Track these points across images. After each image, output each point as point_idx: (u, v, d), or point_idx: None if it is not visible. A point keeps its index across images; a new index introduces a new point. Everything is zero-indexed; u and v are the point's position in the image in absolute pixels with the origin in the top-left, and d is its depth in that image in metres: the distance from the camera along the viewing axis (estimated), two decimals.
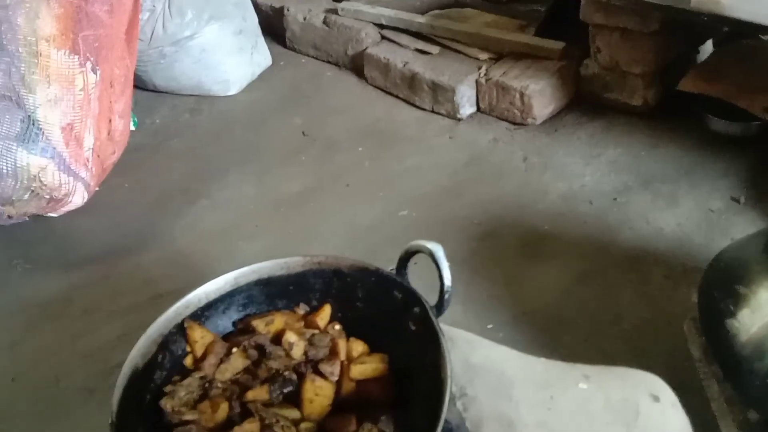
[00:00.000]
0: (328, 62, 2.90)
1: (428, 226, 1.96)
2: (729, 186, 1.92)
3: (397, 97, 2.60)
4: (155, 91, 2.76)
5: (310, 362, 1.04)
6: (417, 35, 2.66)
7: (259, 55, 2.85)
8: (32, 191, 2.01)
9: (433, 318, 0.97)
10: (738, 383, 1.13)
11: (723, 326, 1.11)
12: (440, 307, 1.02)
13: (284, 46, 3.04)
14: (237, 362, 1.02)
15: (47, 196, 2.03)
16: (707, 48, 2.34)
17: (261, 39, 2.88)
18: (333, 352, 1.05)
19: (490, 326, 1.59)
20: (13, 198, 2.02)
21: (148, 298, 1.83)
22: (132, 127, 2.44)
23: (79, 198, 2.08)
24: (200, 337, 1.04)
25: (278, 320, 1.08)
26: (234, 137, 2.51)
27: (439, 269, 1.00)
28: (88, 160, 2.07)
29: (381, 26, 2.75)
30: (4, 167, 1.97)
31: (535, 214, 1.93)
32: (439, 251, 1.00)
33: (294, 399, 1.00)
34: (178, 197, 2.22)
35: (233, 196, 2.22)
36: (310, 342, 1.05)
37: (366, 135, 2.42)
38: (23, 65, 1.95)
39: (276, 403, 0.99)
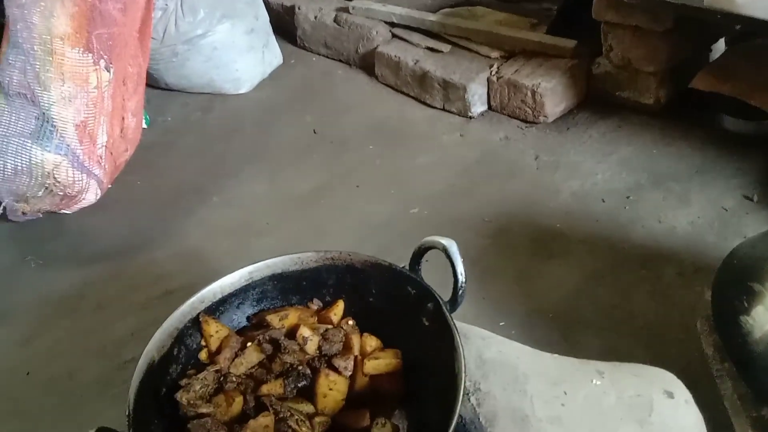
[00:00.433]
0: (339, 60, 2.90)
1: (439, 223, 1.96)
2: (742, 184, 1.91)
3: (407, 95, 2.60)
4: (167, 89, 2.77)
5: (324, 357, 1.04)
6: (428, 33, 2.66)
7: (270, 54, 2.86)
8: (46, 188, 2.03)
9: (447, 313, 0.98)
10: (751, 380, 1.12)
11: (736, 323, 1.11)
12: (454, 302, 1.02)
13: (295, 44, 3.05)
14: (252, 356, 1.03)
15: (61, 193, 2.05)
16: (720, 46, 2.33)
17: (272, 38, 2.89)
18: (346, 347, 1.06)
19: (502, 324, 1.59)
20: (28, 195, 2.04)
21: (161, 294, 1.84)
22: (144, 125, 2.45)
23: (92, 195, 2.10)
24: (215, 331, 1.05)
25: (292, 315, 1.09)
26: (245, 135, 2.52)
27: (453, 265, 1.01)
28: (101, 158, 2.09)
29: (392, 24, 2.75)
30: (19, 164, 1.99)
31: (547, 212, 1.93)
32: (452, 247, 1.01)
33: (308, 393, 1.01)
34: (190, 194, 2.23)
35: (245, 193, 2.22)
36: (324, 337, 1.06)
37: (377, 133, 2.42)
38: (38, 63, 1.96)
39: (290, 398, 1.00)
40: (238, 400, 0.98)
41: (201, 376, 1.00)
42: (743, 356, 1.12)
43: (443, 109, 2.48)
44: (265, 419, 0.95)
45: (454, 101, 2.44)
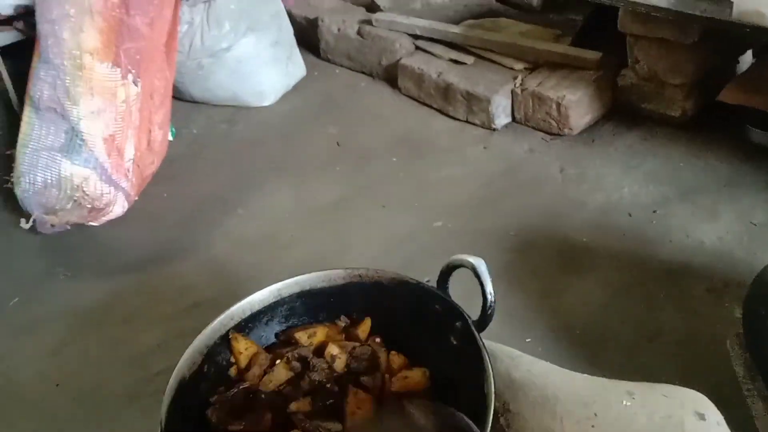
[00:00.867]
0: (362, 73, 2.92)
1: (463, 237, 1.95)
2: None
3: (431, 107, 2.61)
4: (192, 101, 2.80)
5: (352, 375, 1.04)
6: (451, 45, 2.67)
7: (294, 66, 2.88)
8: (75, 201, 2.06)
9: (476, 333, 0.97)
10: None
11: None
12: (483, 322, 1.01)
13: (318, 56, 3.07)
14: (280, 374, 1.03)
15: (89, 206, 2.08)
16: (747, 58, 2.30)
17: (296, 50, 2.91)
18: (374, 365, 1.05)
19: (528, 340, 1.58)
20: (57, 207, 2.07)
21: (187, 307, 1.86)
22: (170, 138, 2.48)
23: (119, 207, 2.12)
24: (245, 348, 1.05)
25: (320, 333, 1.09)
26: (269, 147, 2.54)
27: (481, 284, 1.00)
28: (128, 171, 2.12)
29: (415, 37, 2.76)
30: (49, 177, 2.02)
31: (573, 226, 1.92)
32: (481, 266, 1.00)
33: (336, 411, 1.01)
34: (216, 206, 2.25)
35: (269, 205, 2.24)
36: (352, 355, 1.06)
37: (400, 145, 2.43)
38: (68, 78, 2.00)
39: (318, 415, 1.00)
40: (268, 418, 0.99)
41: (230, 393, 1.01)
42: None
43: (467, 121, 2.48)
44: None
45: (477, 113, 2.44)
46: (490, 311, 1.01)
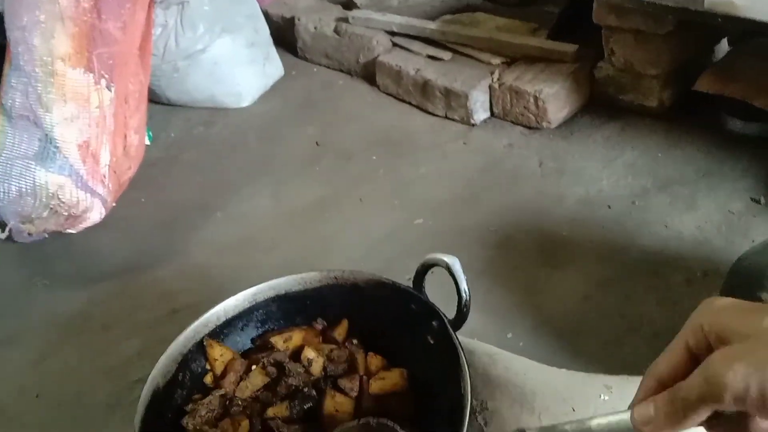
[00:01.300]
0: (340, 71, 2.90)
1: (444, 234, 1.95)
2: (748, 187, 1.89)
3: (409, 104, 2.60)
4: (169, 104, 2.78)
5: (330, 378, 1.04)
6: (428, 41, 2.66)
7: (271, 66, 2.86)
8: (51, 209, 2.03)
9: (452, 332, 0.97)
10: None
11: None
12: (459, 320, 1.01)
13: (296, 55, 3.05)
14: (257, 379, 1.02)
15: (66, 213, 2.05)
16: (723, 47, 2.31)
17: (273, 50, 2.90)
18: (352, 368, 1.05)
19: (509, 335, 1.58)
20: (33, 216, 2.04)
21: (166, 313, 1.84)
22: (147, 142, 2.45)
23: (96, 214, 2.10)
24: (220, 354, 1.04)
25: (296, 336, 1.08)
26: (248, 149, 2.52)
27: (456, 283, 1.00)
28: (104, 177, 2.09)
29: (392, 33, 2.75)
30: (24, 186, 1.99)
31: (553, 220, 1.92)
32: (455, 264, 1.00)
33: (314, 415, 1.00)
34: (194, 211, 2.23)
35: (249, 208, 2.22)
36: (329, 358, 1.05)
37: (379, 143, 2.42)
38: (40, 85, 1.97)
39: (296, 420, 1.00)
40: (245, 424, 0.98)
41: (206, 400, 1.00)
42: None
43: (446, 117, 2.48)
44: None
45: (456, 109, 2.44)
46: (465, 309, 1.00)
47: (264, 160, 2.43)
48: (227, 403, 1.01)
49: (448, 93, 2.43)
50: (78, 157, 2.01)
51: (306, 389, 1.01)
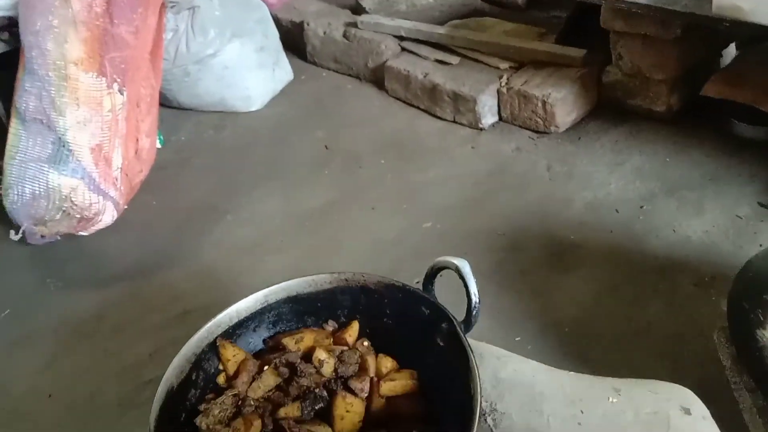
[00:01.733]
0: (349, 75, 2.92)
1: (452, 237, 1.96)
2: (756, 191, 1.90)
3: (418, 108, 2.61)
4: (180, 108, 2.80)
5: (340, 379, 1.05)
6: (437, 46, 2.67)
7: (281, 71, 2.88)
8: (63, 211, 2.06)
9: (462, 334, 0.98)
10: None
11: (753, 336, 1.10)
12: (468, 323, 1.02)
13: (305, 60, 3.07)
14: (269, 380, 1.03)
15: (78, 216, 2.07)
16: (731, 51, 2.32)
17: (282, 54, 2.92)
18: (362, 369, 1.06)
19: (518, 338, 1.59)
20: (46, 218, 2.06)
21: (177, 315, 1.86)
22: (158, 145, 2.48)
23: (108, 217, 2.12)
24: (232, 355, 1.05)
25: (308, 338, 1.09)
26: (258, 152, 2.54)
27: (466, 285, 1.01)
28: (116, 180, 2.11)
29: (401, 38, 2.77)
30: (37, 189, 2.02)
31: (561, 224, 1.93)
32: (465, 267, 1.01)
33: (325, 415, 1.01)
34: (205, 213, 2.25)
35: (258, 211, 2.24)
36: (340, 359, 1.06)
37: (388, 147, 2.43)
38: (53, 89, 2.00)
39: (307, 420, 1.01)
40: (257, 424, 0.99)
41: (219, 400, 1.01)
42: (761, 369, 1.11)
43: (454, 122, 2.49)
44: None
45: (464, 113, 2.45)
46: (475, 312, 1.01)
47: (273, 164, 2.45)
48: (240, 402, 1.02)
49: (456, 97, 2.44)
50: (91, 160, 2.04)
51: (317, 390, 1.02)
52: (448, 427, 0.97)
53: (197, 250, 2.11)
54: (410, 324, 1.08)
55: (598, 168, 2.12)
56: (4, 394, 1.74)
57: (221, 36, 2.63)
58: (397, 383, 1.03)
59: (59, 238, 2.14)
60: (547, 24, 2.63)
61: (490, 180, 2.18)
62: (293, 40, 3.09)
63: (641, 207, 1.93)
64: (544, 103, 2.28)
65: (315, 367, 1.04)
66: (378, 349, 1.10)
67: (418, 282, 1.10)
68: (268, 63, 2.80)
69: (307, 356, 1.07)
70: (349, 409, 1.01)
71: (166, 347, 1.73)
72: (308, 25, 3.02)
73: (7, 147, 2.09)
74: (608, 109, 2.33)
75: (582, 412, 0.98)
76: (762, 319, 1.09)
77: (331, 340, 1.12)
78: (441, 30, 2.67)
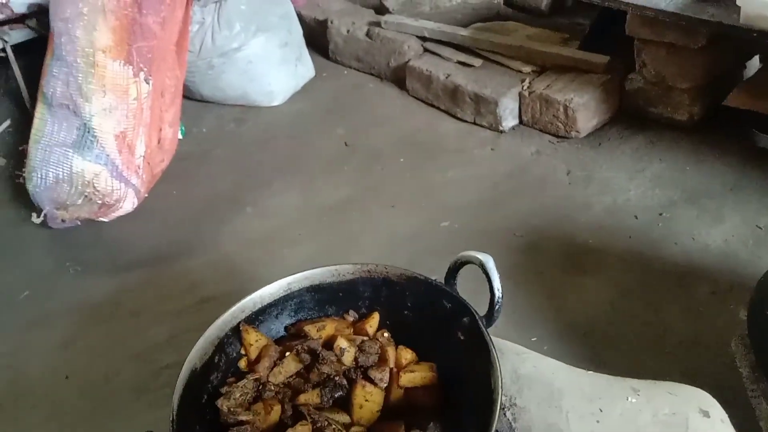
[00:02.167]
0: (370, 74, 2.93)
1: (470, 237, 1.97)
2: None
3: (438, 108, 2.62)
4: (202, 100, 2.82)
5: (360, 368, 1.06)
6: (459, 48, 2.68)
7: (303, 67, 2.90)
8: (86, 196, 2.08)
9: (483, 328, 0.99)
10: None
11: None
12: (490, 317, 1.03)
13: (327, 58, 3.09)
14: (290, 366, 1.04)
15: (99, 202, 2.10)
16: (755, 63, 2.31)
17: (305, 51, 2.93)
18: (382, 360, 1.07)
19: (534, 339, 1.59)
20: (68, 202, 2.09)
21: (194, 303, 1.88)
22: (180, 136, 2.50)
23: (129, 204, 2.14)
24: (255, 340, 1.07)
25: (329, 326, 1.10)
26: (278, 147, 2.56)
27: (489, 280, 1.01)
28: (139, 168, 2.14)
29: (423, 39, 2.78)
30: (60, 173, 2.04)
31: (579, 228, 1.93)
32: (489, 262, 1.02)
33: (344, 403, 1.02)
34: (224, 204, 2.27)
35: (277, 204, 2.26)
36: (361, 348, 1.07)
37: (407, 146, 2.44)
38: (80, 75, 2.02)
39: (327, 407, 1.02)
40: (276, 409, 1.00)
41: (241, 384, 1.02)
42: None
43: (474, 123, 2.49)
44: (303, 428, 0.96)
45: (485, 115, 2.45)
46: (497, 307, 1.02)
47: (293, 159, 2.47)
48: (260, 387, 1.03)
49: (477, 99, 2.45)
50: (114, 147, 2.06)
51: (337, 378, 1.03)
52: (465, 419, 0.98)
53: (215, 240, 2.13)
54: (430, 317, 1.09)
55: (617, 174, 2.12)
56: (21, 374, 1.76)
57: (246, 30, 2.65)
58: (417, 374, 1.04)
59: (80, 223, 2.16)
60: (570, 30, 2.63)
61: (509, 182, 2.18)
62: (316, 37, 3.10)
63: (660, 214, 1.93)
64: (565, 107, 2.28)
65: (336, 355, 1.05)
66: (398, 340, 1.10)
67: (438, 280, 1.10)
68: (291, 59, 2.82)
69: (328, 345, 1.08)
70: (368, 398, 1.02)
71: (182, 334, 1.75)
72: (332, 23, 3.04)
73: (33, 131, 2.12)
74: (629, 117, 2.33)
75: (600, 410, 0.98)
76: None
77: (352, 330, 1.13)
78: (464, 32, 2.68)
